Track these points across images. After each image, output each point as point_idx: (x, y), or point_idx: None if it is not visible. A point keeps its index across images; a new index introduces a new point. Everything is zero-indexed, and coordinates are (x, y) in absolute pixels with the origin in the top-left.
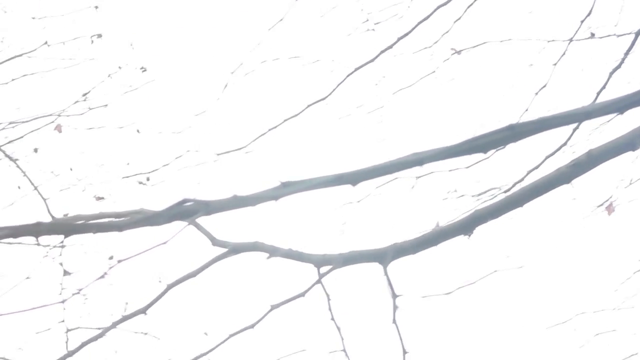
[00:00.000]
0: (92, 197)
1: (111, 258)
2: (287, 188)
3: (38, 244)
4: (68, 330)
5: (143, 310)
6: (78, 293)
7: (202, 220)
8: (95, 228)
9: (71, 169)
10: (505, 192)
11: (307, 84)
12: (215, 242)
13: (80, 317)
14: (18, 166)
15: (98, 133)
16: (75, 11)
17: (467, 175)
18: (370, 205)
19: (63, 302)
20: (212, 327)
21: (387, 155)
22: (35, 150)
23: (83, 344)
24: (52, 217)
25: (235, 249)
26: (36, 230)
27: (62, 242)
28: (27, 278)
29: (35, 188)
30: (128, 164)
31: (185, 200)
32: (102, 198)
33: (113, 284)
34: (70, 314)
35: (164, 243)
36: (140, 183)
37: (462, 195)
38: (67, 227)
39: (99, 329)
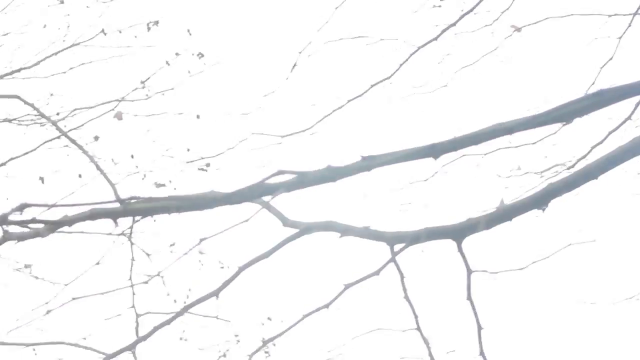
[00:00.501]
0: (152, 184)
1: (173, 245)
2: (369, 161)
3: (116, 226)
4: (138, 316)
5: (215, 294)
6: (158, 275)
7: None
8: (175, 208)
9: (132, 156)
10: (569, 168)
11: (371, 64)
12: (286, 222)
13: (148, 302)
14: (85, 152)
15: (157, 120)
16: None
17: (530, 152)
18: (436, 183)
19: (146, 282)
20: (284, 308)
21: (466, 128)
22: (96, 138)
23: (155, 329)
24: (121, 202)
25: (307, 229)
26: (114, 212)
27: (130, 227)
28: (97, 264)
29: (103, 173)
30: (188, 150)
31: (280, 172)
32: (163, 185)
33: (182, 266)
34: (139, 298)
35: (246, 221)
36: (200, 169)
37: (526, 173)
38: (146, 208)
39: (170, 313)
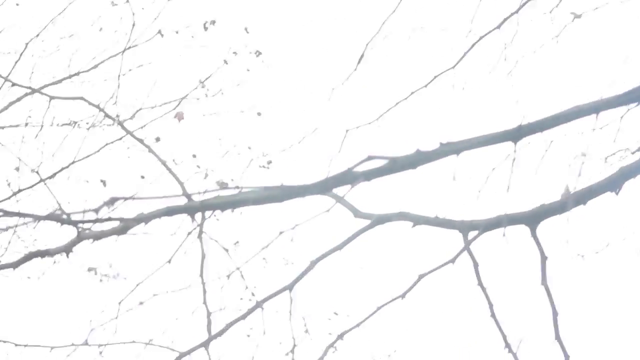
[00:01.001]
0: (215, 183)
1: (236, 243)
2: (448, 147)
3: (193, 221)
4: (209, 313)
5: (289, 287)
6: (238, 270)
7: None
8: (251, 201)
9: (194, 156)
10: (633, 153)
11: (434, 54)
12: (358, 214)
13: (218, 298)
14: (152, 151)
15: (218, 118)
16: None
17: (594, 138)
18: (501, 170)
19: (228, 276)
20: (358, 299)
21: (534, 115)
22: (157, 139)
23: (228, 325)
24: (189, 199)
25: (379, 220)
26: (191, 207)
27: (199, 225)
28: (169, 262)
29: (170, 172)
30: (249, 148)
31: (370, 157)
32: (225, 184)
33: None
34: (209, 295)
35: (327, 211)
36: (262, 167)
37: (591, 158)
38: (223, 202)
39: (243, 309)
